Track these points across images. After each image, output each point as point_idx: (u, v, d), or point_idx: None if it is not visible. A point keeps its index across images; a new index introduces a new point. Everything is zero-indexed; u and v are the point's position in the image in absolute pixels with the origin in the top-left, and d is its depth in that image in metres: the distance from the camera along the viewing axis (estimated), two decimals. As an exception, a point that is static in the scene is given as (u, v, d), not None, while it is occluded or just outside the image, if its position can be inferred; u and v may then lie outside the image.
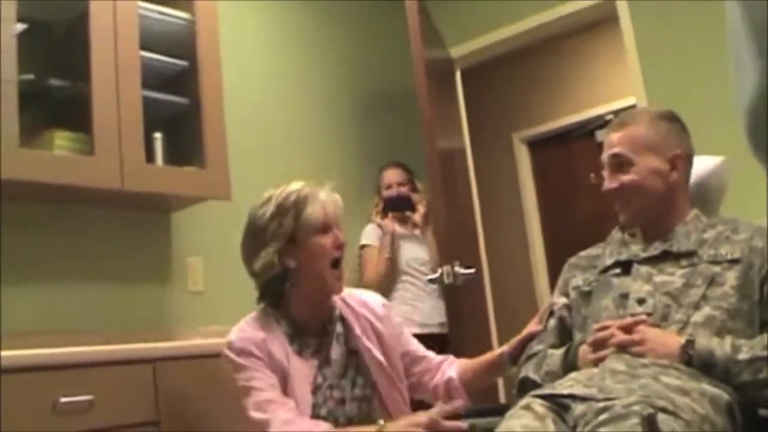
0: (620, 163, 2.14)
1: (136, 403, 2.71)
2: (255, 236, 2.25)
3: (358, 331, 2.32)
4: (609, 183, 2.16)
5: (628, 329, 1.92)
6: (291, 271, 2.23)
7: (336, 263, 2.26)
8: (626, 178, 2.14)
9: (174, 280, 3.73)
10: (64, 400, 2.50)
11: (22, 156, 2.89)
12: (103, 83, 3.13)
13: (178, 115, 3.57)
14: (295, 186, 2.30)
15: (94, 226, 3.44)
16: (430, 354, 2.50)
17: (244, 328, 2.23)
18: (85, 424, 2.54)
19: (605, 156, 2.18)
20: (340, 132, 4.75)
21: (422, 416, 2.01)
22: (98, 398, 2.57)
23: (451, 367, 2.42)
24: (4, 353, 2.52)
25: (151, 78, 3.39)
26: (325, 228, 2.24)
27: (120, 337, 3.07)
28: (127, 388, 2.69)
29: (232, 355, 2.17)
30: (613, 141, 2.17)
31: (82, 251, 3.39)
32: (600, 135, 6.25)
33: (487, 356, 2.41)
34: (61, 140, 3.07)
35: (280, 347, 2.18)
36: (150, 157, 3.34)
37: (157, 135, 3.42)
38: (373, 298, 2.49)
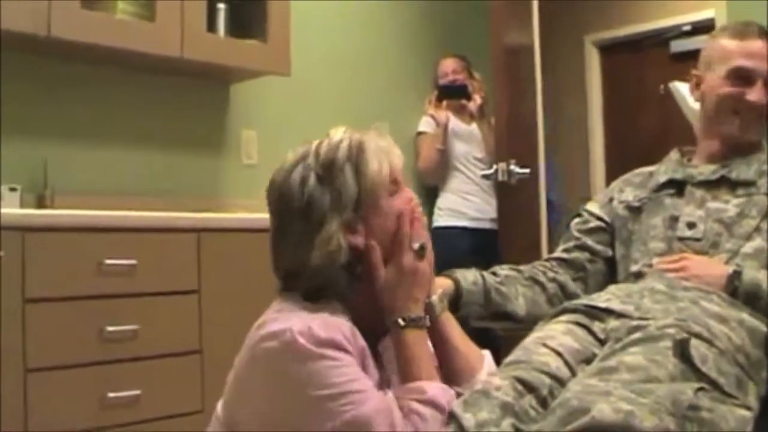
0: None
1: (179, 271, 2.77)
2: (299, 217, 1.44)
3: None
4: (761, 97, 1.99)
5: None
6: (360, 256, 1.46)
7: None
8: None
9: (228, 152, 3.76)
10: (108, 261, 2.56)
11: (83, 17, 2.89)
12: (169, -53, 3.09)
13: (243, -14, 3.52)
14: (334, 133, 1.52)
15: (152, 92, 3.45)
16: None
17: (314, 316, 1.36)
18: (127, 286, 2.61)
19: (759, 67, 1.99)
20: (401, 19, 4.65)
21: None
22: (141, 263, 2.63)
23: None
24: (54, 212, 2.57)
25: (219, -53, 3.33)
26: (394, 185, 1.50)
27: (168, 205, 3.12)
28: (170, 256, 2.74)
29: (312, 347, 1.30)
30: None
31: (139, 117, 3.41)
32: (675, 45, 6.03)
33: None
34: (123, 4, 3.07)
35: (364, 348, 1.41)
36: (212, 27, 3.34)
37: (221, 5, 3.42)
38: None
